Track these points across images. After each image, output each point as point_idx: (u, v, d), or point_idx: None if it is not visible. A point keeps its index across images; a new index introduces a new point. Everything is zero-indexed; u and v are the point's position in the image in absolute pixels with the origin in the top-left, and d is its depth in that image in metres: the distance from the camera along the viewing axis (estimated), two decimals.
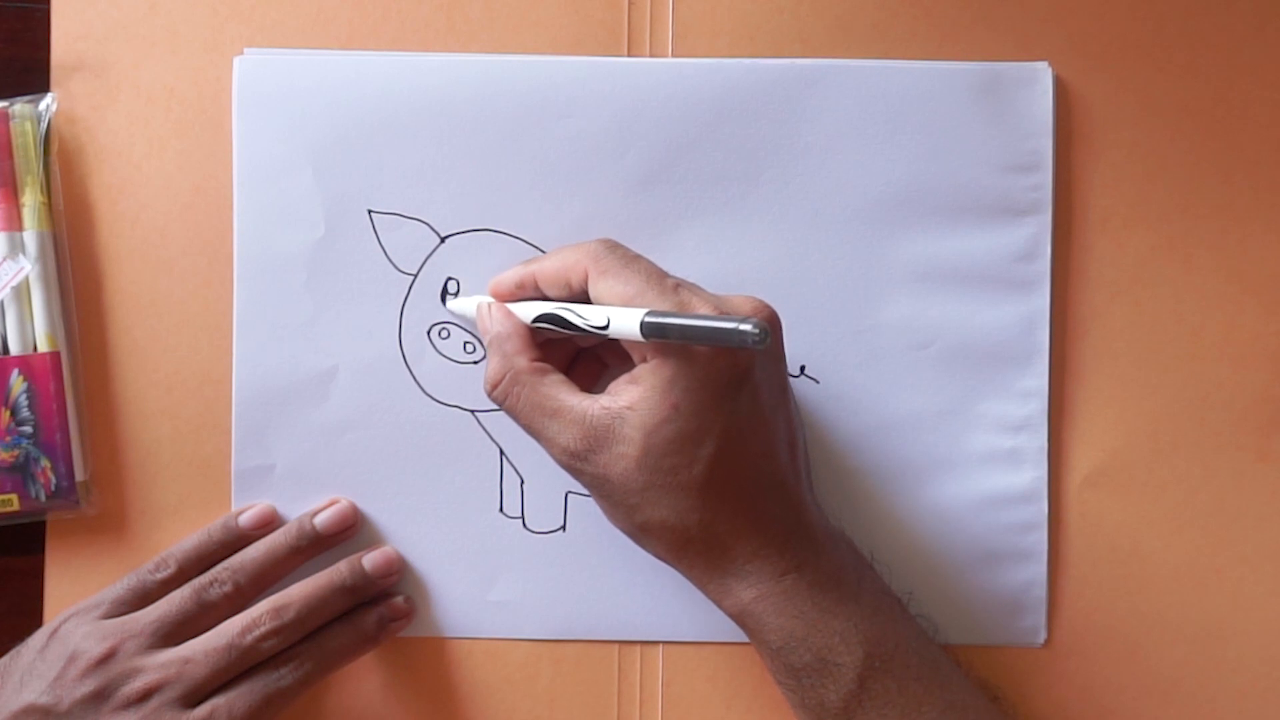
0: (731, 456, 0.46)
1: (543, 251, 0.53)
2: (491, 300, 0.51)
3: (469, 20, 0.54)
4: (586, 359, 0.52)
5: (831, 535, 0.49)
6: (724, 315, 0.44)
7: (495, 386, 0.48)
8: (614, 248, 0.48)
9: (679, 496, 0.46)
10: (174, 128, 0.54)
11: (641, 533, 0.47)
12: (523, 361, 0.48)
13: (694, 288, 0.47)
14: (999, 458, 0.54)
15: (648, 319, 0.44)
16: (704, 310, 0.45)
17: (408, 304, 0.54)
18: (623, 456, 0.45)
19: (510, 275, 0.50)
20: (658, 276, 0.46)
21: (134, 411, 0.54)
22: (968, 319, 0.54)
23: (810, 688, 0.47)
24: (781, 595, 0.47)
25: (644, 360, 0.46)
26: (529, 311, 0.49)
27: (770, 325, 0.46)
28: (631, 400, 0.45)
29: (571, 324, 0.47)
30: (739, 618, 0.48)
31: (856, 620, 0.47)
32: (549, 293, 0.49)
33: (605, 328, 0.46)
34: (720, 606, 0.48)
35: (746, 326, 0.41)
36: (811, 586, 0.47)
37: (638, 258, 0.47)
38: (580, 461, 0.46)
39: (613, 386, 0.47)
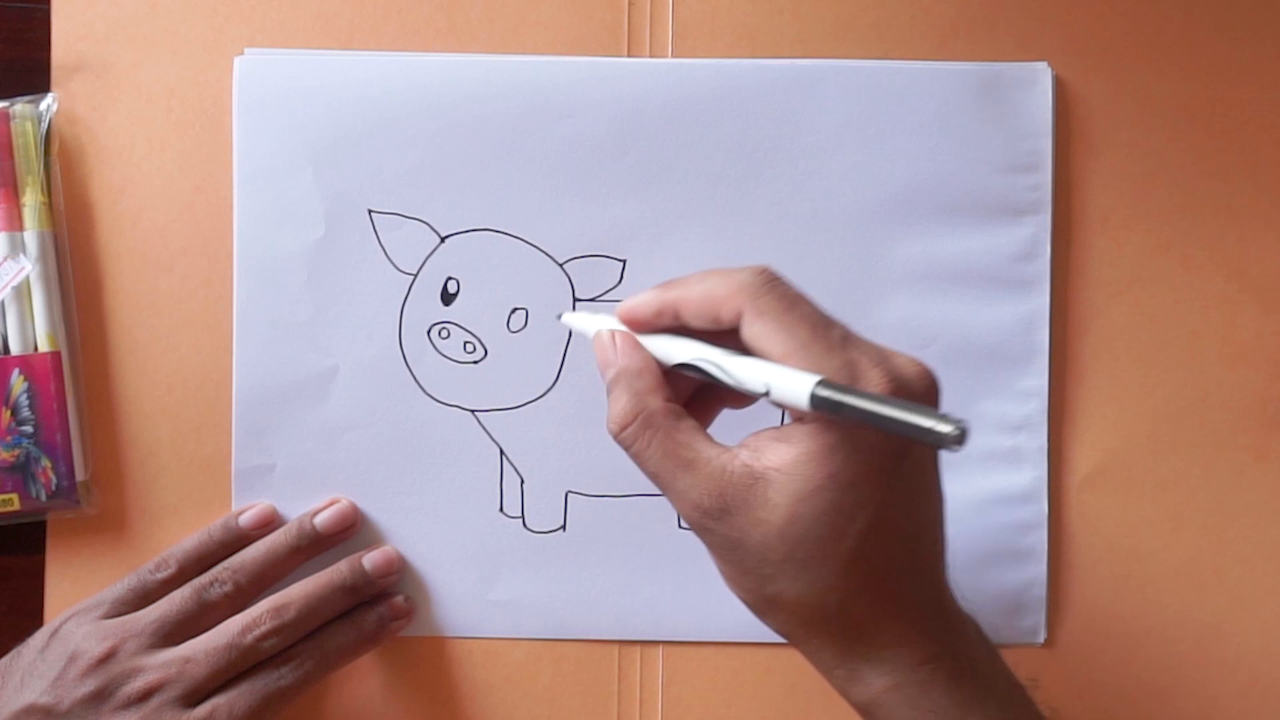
0: (884, 533, 0.41)
1: (543, 251, 0.53)
2: (615, 328, 0.45)
3: (469, 20, 0.54)
4: (704, 395, 0.47)
5: (964, 619, 0.44)
6: (916, 405, 0.38)
7: (624, 428, 0.43)
8: (774, 284, 0.42)
9: (821, 572, 0.41)
10: (174, 128, 0.54)
11: (769, 606, 0.43)
12: (657, 403, 0.43)
13: (859, 342, 0.42)
14: (999, 457, 0.54)
15: (819, 392, 0.38)
16: (875, 376, 0.40)
17: (408, 304, 0.54)
18: (763, 522, 0.41)
19: (648, 300, 0.44)
20: (824, 326, 0.41)
21: (134, 411, 0.54)
22: (968, 319, 0.54)
23: None
24: (918, 686, 0.42)
25: (799, 418, 0.41)
26: (669, 352, 0.44)
27: (933, 396, 0.42)
28: (780, 462, 0.40)
29: (722, 381, 0.42)
30: (867, 708, 0.43)
31: (994, 716, 0.43)
32: (692, 324, 0.43)
33: (766, 394, 0.40)
34: (846, 695, 0.44)
35: (946, 429, 0.36)
36: (949, 677, 0.42)
37: (800, 299, 0.42)
38: (712, 520, 0.41)
39: (753, 441, 0.42)
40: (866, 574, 0.41)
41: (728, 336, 0.43)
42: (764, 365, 0.41)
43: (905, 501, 0.42)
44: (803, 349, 0.41)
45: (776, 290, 0.42)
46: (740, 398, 0.45)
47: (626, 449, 0.43)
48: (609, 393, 0.44)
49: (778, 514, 0.40)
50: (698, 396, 0.46)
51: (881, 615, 0.42)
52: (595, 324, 0.46)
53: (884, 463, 0.40)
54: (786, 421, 0.43)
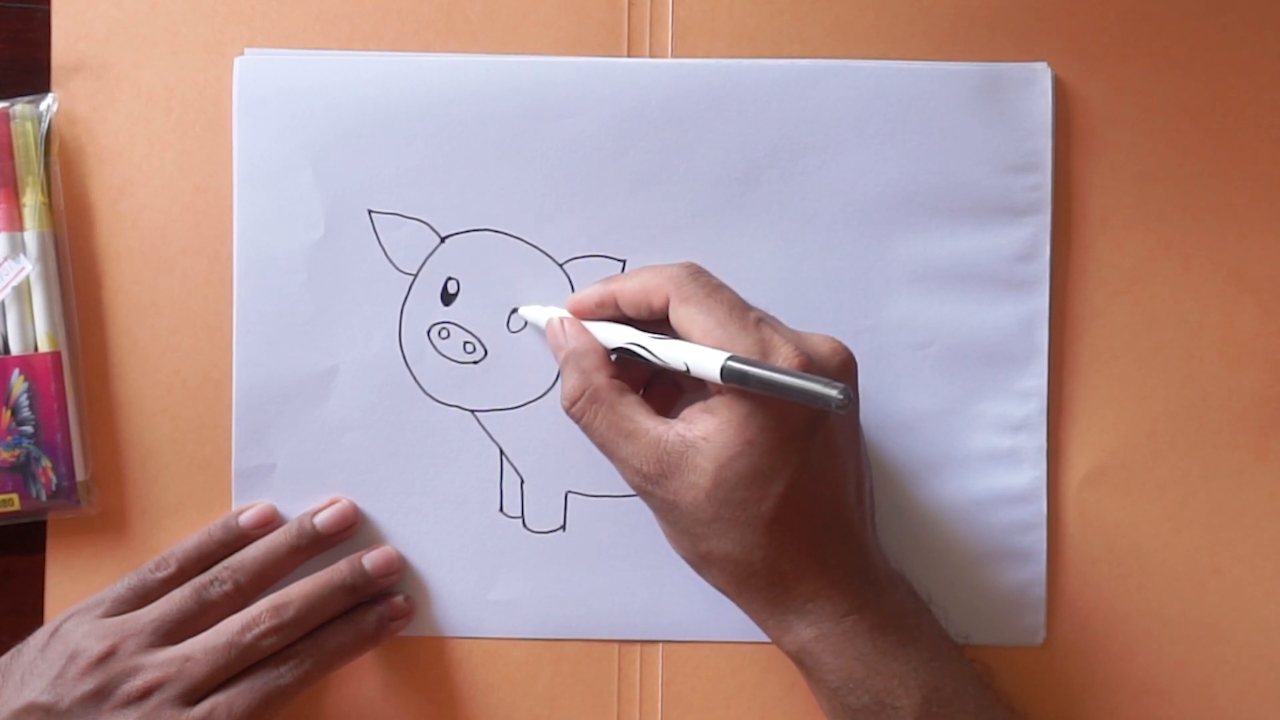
0: (801, 495, 0.45)
1: (543, 251, 0.53)
2: (565, 315, 0.50)
3: (469, 20, 0.54)
4: (663, 382, 0.52)
5: (892, 578, 0.48)
6: (807, 374, 0.43)
7: (574, 403, 0.48)
8: (697, 274, 0.47)
9: (746, 531, 0.45)
10: (174, 128, 0.54)
11: (704, 562, 0.47)
12: (601, 379, 0.48)
13: (774, 324, 0.46)
14: (998, 457, 0.54)
15: (729, 364, 0.43)
16: (785, 351, 0.44)
17: (408, 304, 0.54)
18: (693, 486, 0.45)
19: (591, 294, 0.50)
20: (740, 310, 0.46)
21: (134, 411, 0.54)
22: (967, 319, 0.54)
23: None
24: (842, 636, 0.46)
25: (720, 391, 0.46)
26: (608, 338, 0.49)
27: (848, 371, 0.46)
28: (706, 431, 0.45)
29: (649, 361, 0.47)
30: (797, 655, 0.47)
31: (915, 664, 0.47)
32: (629, 313, 0.49)
33: (687, 370, 0.45)
34: (778, 644, 0.48)
35: (831, 392, 0.41)
36: (872, 628, 0.46)
37: (721, 287, 0.47)
38: (651, 485, 0.46)
39: (687, 413, 0.47)
40: (788, 534, 0.45)
41: (663, 326, 0.48)
42: (684, 345, 0.46)
43: (821, 467, 0.46)
44: (720, 327, 0.45)
45: (700, 279, 0.47)
46: (694, 384, 0.49)
47: (576, 421, 0.48)
48: (560, 373, 0.49)
49: (705, 478, 0.45)
50: (654, 385, 0.51)
51: (805, 572, 0.46)
52: (547, 314, 0.51)
53: (797, 431, 0.45)
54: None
